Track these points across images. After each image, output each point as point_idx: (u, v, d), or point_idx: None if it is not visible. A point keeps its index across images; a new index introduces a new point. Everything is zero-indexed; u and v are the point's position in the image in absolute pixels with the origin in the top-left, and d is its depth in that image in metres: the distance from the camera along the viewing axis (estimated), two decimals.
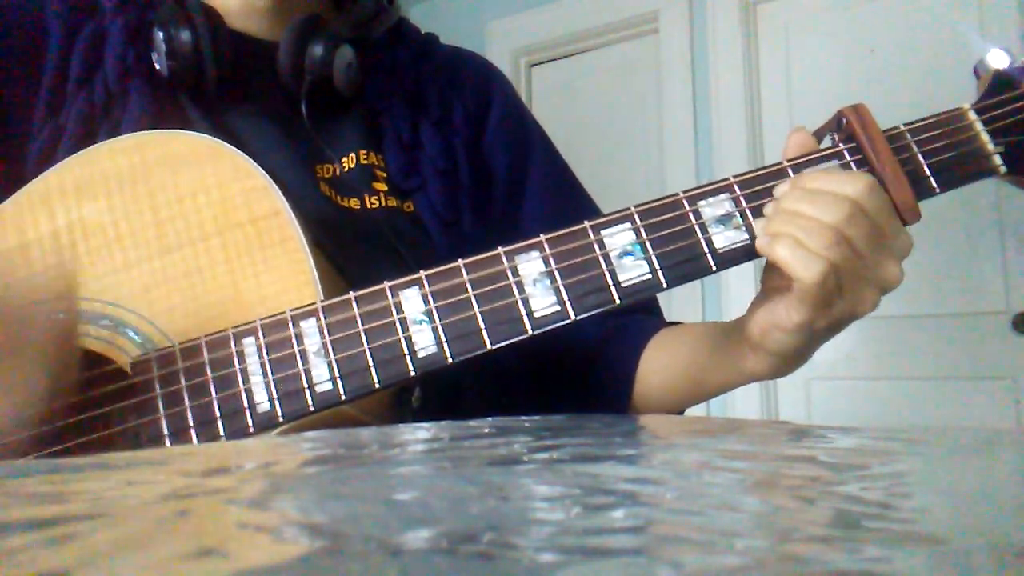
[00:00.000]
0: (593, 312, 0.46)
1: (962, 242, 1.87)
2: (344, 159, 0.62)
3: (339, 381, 0.45)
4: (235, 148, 0.50)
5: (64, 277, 0.46)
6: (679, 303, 2.12)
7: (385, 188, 0.61)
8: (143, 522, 0.17)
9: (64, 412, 0.46)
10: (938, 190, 0.48)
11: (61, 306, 0.43)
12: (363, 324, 0.45)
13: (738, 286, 2.04)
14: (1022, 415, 1.79)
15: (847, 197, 0.44)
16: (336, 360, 0.45)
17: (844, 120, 0.49)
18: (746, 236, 0.47)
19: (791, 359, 0.49)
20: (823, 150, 0.49)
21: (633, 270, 0.46)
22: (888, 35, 2.00)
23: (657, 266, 0.46)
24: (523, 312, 0.45)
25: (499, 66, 0.78)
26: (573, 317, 0.45)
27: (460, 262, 0.46)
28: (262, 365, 0.45)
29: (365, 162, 0.62)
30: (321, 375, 0.45)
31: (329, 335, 0.45)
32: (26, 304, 0.41)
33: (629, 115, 2.39)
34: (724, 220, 0.47)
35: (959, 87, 0.55)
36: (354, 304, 0.46)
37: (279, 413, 0.44)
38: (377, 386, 0.45)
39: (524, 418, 0.33)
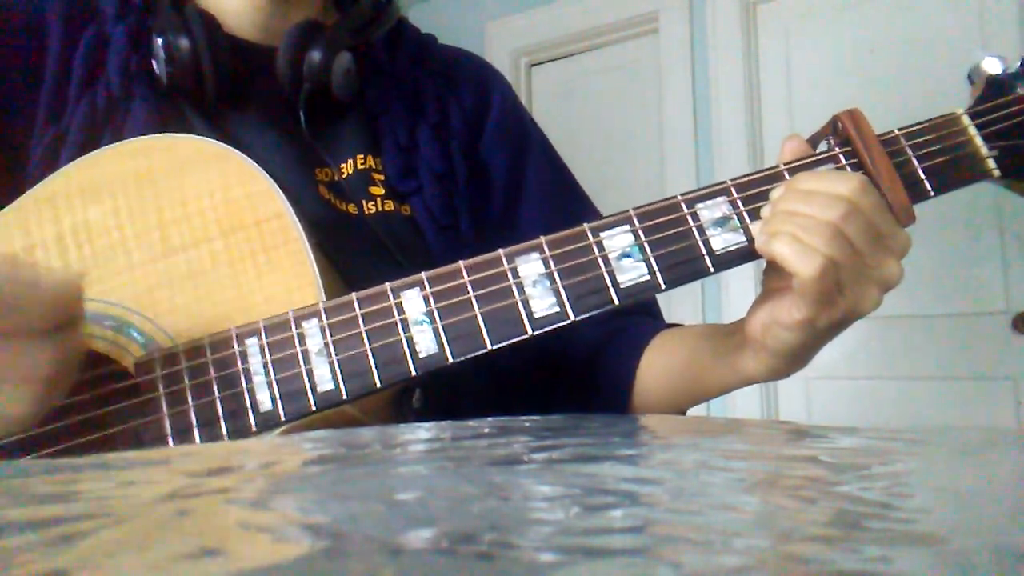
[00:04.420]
0: (592, 313, 0.46)
1: (962, 242, 1.87)
2: (343, 165, 0.62)
3: (341, 381, 0.45)
4: (239, 152, 0.50)
5: (71, 275, 0.44)
6: (679, 304, 2.12)
7: (382, 192, 0.61)
8: (143, 522, 0.17)
9: (66, 412, 0.46)
10: (932, 193, 0.49)
11: (68, 294, 0.40)
12: (365, 325, 0.45)
13: (738, 287, 2.04)
14: (1022, 415, 1.79)
15: (841, 196, 0.44)
16: (338, 360, 0.45)
17: (839, 124, 0.50)
18: (743, 238, 0.47)
19: (790, 359, 0.49)
20: (819, 154, 0.50)
21: (632, 271, 0.46)
22: (888, 35, 2.00)
23: (656, 268, 0.47)
24: (523, 313, 0.46)
25: (499, 66, 0.78)
26: (572, 318, 0.46)
27: (461, 263, 0.47)
28: (264, 365, 0.45)
29: (363, 167, 0.62)
30: (323, 375, 0.45)
31: (331, 335, 0.45)
32: (32, 285, 0.39)
33: (629, 115, 2.39)
34: (721, 222, 0.48)
35: (959, 87, 0.55)
36: (356, 305, 0.46)
37: (281, 413, 0.45)
38: (378, 386, 0.45)
39: (524, 418, 0.33)
